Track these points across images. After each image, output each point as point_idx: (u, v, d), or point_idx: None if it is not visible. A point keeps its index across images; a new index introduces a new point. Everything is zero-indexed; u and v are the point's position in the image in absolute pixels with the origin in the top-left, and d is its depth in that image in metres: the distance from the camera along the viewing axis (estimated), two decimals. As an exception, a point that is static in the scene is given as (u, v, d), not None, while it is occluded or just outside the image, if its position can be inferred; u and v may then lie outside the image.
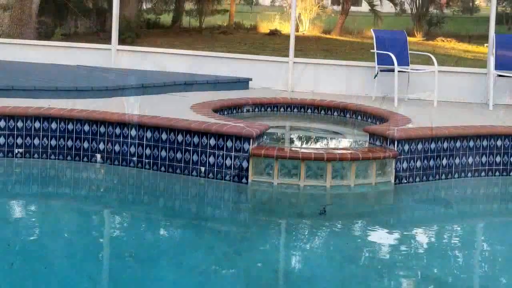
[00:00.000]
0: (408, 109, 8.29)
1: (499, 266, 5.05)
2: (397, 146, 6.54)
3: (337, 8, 33.51)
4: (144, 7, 29.24)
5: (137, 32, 21.19)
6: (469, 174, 6.97)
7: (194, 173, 6.48)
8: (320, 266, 4.82)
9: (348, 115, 8.57)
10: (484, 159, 7.01)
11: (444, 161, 6.81)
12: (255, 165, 6.32)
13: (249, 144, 6.30)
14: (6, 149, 6.81)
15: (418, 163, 6.67)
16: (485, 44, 10.01)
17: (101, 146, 6.78)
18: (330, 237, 5.46)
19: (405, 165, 6.59)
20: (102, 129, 6.78)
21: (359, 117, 8.41)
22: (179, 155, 6.53)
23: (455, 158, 6.86)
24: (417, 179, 6.68)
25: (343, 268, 4.81)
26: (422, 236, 5.69)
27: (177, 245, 5.18)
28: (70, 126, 6.83)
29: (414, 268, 4.85)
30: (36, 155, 6.85)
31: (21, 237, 5.15)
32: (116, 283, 4.43)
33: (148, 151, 6.64)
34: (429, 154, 6.71)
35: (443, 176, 6.82)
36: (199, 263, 4.70)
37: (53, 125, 6.83)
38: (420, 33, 27.01)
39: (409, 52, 9.37)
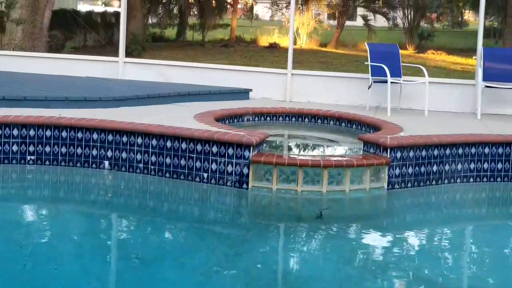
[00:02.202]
0: (400, 119, 8.30)
1: (487, 267, 5.06)
2: (390, 153, 6.55)
3: (333, 22, 33.56)
4: (150, 22, 29.32)
5: (143, 45, 21.22)
6: (458, 180, 6.97)
7: (197, 179, 6.49)
8: (317, 267, 4.83)
9: (343, 124, 8.58)
10: (472, 165, 7.01)
11: (435, 168, 6.82)
12: (255, 172, 6.33)
13: (250, 151, 6.31)
14: (19, 156, 6.82)
15: (410, 170, 6.67)
16: (474, 57, 10.02)
17: (109, 153, 6.79)
18: (326, 239, 5.46)
19: (397, 171, 6.60)
20: (110, 137, 6.79)
21: (353, 126, 8.42)
22: (183, 162, 6.54)
23: (445, 165, 6.87)
24: (409, 185, 6.69)
25: (339, 269, 4.81)
26: (413, 239, 5.69)
27: (181, 247, 5.19)
28: (79, 134, 6.84)
29: (406, 269, 4.85)
30: (47, 162, 6.86)
31: (33, 239, 5.16)
32: (122, 283, 4.43)
33: (153, 158, 6.65)
34: (420, 161, 6.72)
35: (434, 182, 6.83)
36: (201, 264, 4.70)
37: (64, 134, 6.85)
38: (412, 46, 27.04)
39: (401, 64, 9.39)
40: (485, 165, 7.05)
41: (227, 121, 8.10)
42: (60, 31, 21.89)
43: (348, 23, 31.05)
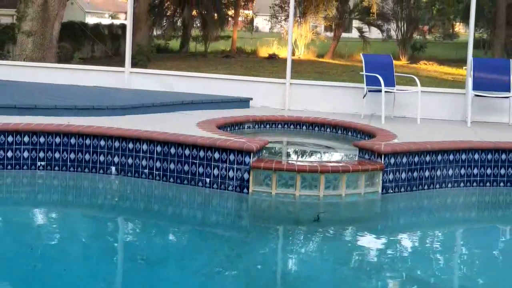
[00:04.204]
0: (394, 126, 8.31)
1: (476, 268, 5.06)
2: (384, 159, 6.56)
3: (330, 34, 33.64)
4: (155, 34, 29.38)
5: (148, 56, 21.27)
6: (449, 185, 6.98)
7: (200, 184, 6.50)
8: (314, 268, 4.83)
9: (339, 132, 8.59)
10: (463, 171, 7.02)
11: (427, 173, 6.82)
12: (255, 177, 6.34)
13: (250, 157, 6.32)
14: (29, 162, 6.83)
15: (403, 175, 6.68)
16: (464, 67, 10.03)
17: (116, 159, 6.80)
18: (323, 241, 5.47)
19: (391, 176, 6.61)
20: (116, 144, 6.80)
21: (349, 133, 8.43)
22: (186, 168, 6.55)
23: (436, 170, 6.88)
24: (402, 189, 6.69)
25: (335, 270, 4.81)
26: (406, 241, 5.70)
27: (184, 249, 5.20)
28: (87, 141, 6.85)
29: (400, 270, 4.85)
30: (56, 168, 6.87)
31: (42, 241, 5.17)
32: (128, 283, 4.44)
33: (158, 164, 6.66)
34: (413, 166, 6.73)
35: (426, 187, 6.84)
36: (203, 265, 4.71)
37: (72, 140, 6.86)
38: (405, 57, 27.12)
39: (394, 74, 9.40)
40: (475, 171, 7.06)
41: (228, 129, 8.11)
42: (69, 42, 21.96)
43: (344, 35, 31.16)
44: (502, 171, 7.12)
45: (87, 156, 6.85)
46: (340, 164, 6.60)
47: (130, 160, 6.77)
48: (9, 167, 6.79)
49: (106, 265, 4.67)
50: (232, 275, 4.64)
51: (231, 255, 5.06)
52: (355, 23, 32.78)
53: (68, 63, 15.29)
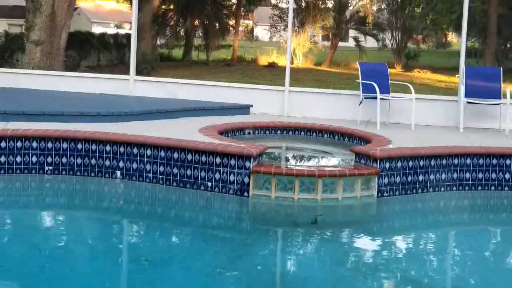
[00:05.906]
0: (389, 132, 8.32)
1: (468, 269, 5.07)
2: (379, 164, 6.57)
3: (327, 43, 33.68)
4: (159, 43, 29.42)
5: (152, 64, 21.27)
6: (442, 189, 6.99)
7: (202, 187, 6.51)
8: (312, 269, 4.84)
9: (336, 137, 8.60)
10: (455, 175, 7.03)
11: (421, 177, 6.83)
12: (255, 181, 6.35)
13: (250, 162, 6.33)
14: (38, 166, 6.84)
15: (398, 179, 6.69)
16: (456, 75, 10.04)
17: (121, 164, 6.81)
18: (321, 243, 5.47)
19: (386, 180, 6.62)
20: (121, 149, 6.81)
21: (346, 139, 8.44)
22: (188, 172, 6.56)
23: (430, 175, 6.89)
24: (397, 193, 6.70)
25: (332, 271, 4.82)
26: (401, 243, 5.71)
27: (187, 250, 5.20)
28: (93, 146, 6.86)
29: (395, 270, 4.86)
30: (64, 172, 6.88)
31: (50, 243, 5.17)
32: (132, 283, 4.45)
33: (161, 168, 6.67)
34: (407, 171, 6.74)
35: (420, 190, 6.84)
36: (205, 266, 4.71)
37: (79, 146, 6.87)
38: (400, 65, 27.14)
39: (389, 82, 9.41)
40: (467, 175, 7.07)
41: (229, 134, 8.11)
42: (76, 51, 21.97)
43: (340, 44, 31.19)
44: (493, 175, 7.13)
45: (93, 161, 6.86)
46: (337, 169, 6.61)
47: (134, 165, 6.78)
48: (18, 171, 6.80)
49: (111, 266, 4.68)
50: (234, 276, 4.64)
51: (232, 256, 5.06)
52: (352, 32, 32.82)
53: (75, 71, 15.29)
